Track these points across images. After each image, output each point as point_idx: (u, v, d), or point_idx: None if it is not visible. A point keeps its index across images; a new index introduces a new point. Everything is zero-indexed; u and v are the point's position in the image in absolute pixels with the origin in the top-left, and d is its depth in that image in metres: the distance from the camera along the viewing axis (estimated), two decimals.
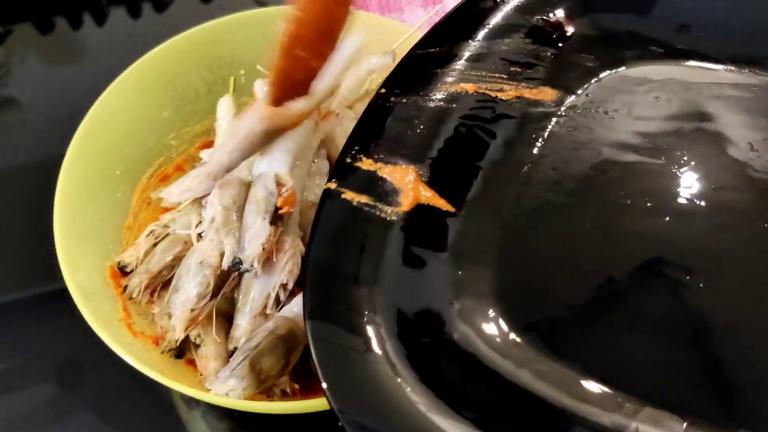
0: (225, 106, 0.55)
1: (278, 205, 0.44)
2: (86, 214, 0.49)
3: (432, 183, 0.40)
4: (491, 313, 0.36)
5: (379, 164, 0.41)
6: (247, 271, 0.43)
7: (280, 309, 0.45)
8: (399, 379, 0.33)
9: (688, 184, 0.38)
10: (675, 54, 0.44)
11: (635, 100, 0.43)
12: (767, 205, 0.37)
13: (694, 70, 0.43)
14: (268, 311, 0.45)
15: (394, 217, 0.39)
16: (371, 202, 0.40)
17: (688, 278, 0.35)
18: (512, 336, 0.35)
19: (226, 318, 0.47)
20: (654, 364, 0.34)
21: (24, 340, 0.54)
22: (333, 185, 0.41)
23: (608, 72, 0.44)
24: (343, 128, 0.52)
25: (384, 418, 0.32)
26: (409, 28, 0.54)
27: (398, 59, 0.53)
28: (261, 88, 0.51)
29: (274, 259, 0.45)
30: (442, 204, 0.40)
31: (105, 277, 0.48)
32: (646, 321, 0.35)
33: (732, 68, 0.43)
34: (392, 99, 0.43)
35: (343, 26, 0.41)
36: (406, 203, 0.39)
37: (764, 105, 0.40)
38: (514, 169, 0.41)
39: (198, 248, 0.46)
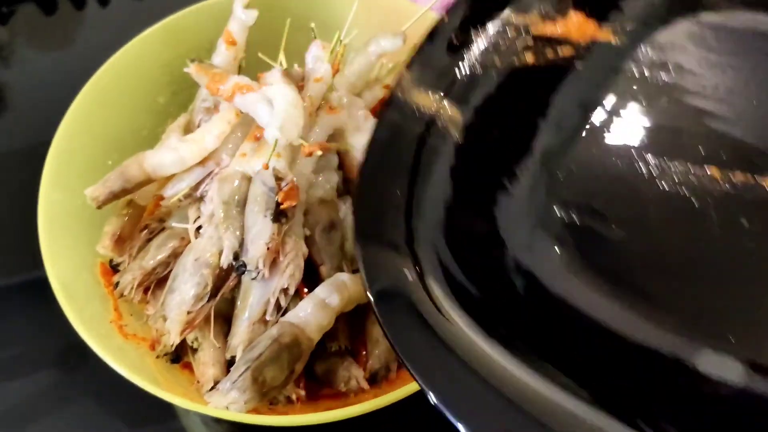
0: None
1: (279, 200, 0.41)
2: (74, 208, 0.46)
3: None
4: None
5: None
6: (253, 276, 0.40)
7: (283, 314, 0.42)
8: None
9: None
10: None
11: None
12: None
13: None
14: (267, 317, 0.41)
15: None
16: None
17: None
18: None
19: (225, 320, 0.44)
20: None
21: (24, 324, 0.53)
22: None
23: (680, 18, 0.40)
24: (353, 119, 0.48)
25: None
26: (420, 8, 0.50)
27: (410, 41, 0.50)
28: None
29: (281, 259, 0.41)
30: None
31: (95, 275, 0.45)
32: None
33: None
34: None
35: None
36: None
37: None
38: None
39: (196, 246, 0.43)
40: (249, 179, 0.43)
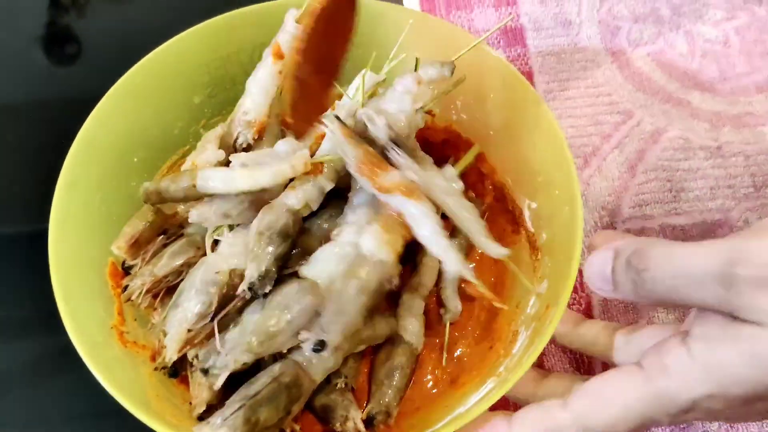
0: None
1: None
2: (92, 203, 0.44)
3: None
4: None
5: None
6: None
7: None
8: None
9: None
10: None
11: None
12: None
13: None
14: None
15: None
16: None
17: None
18: None
19: None
20: None
21: (27, 283, 0.52)
22: None
23: None
24: None
25: None
26: (473, 38, 0.48)
27: (458, 72, 0.47)
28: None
29: None
30: None
31: (103, 275, 0.44)
32: None
33: None
34: None
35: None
36: None
37: None
38: None
39: (207, 261, 0.42)
40: (294, 213, 0.42)
